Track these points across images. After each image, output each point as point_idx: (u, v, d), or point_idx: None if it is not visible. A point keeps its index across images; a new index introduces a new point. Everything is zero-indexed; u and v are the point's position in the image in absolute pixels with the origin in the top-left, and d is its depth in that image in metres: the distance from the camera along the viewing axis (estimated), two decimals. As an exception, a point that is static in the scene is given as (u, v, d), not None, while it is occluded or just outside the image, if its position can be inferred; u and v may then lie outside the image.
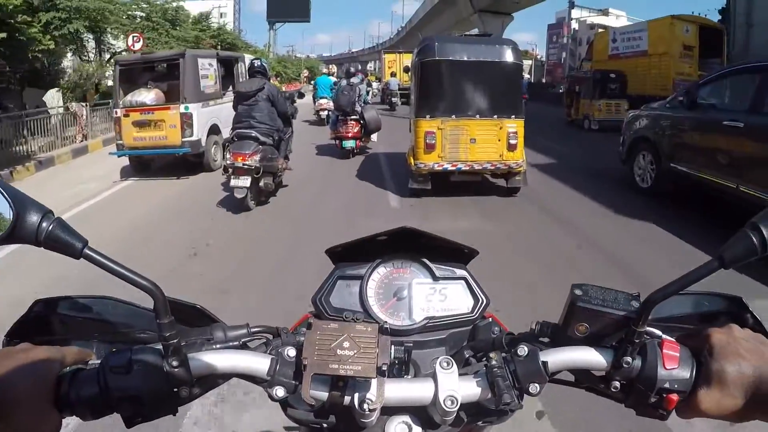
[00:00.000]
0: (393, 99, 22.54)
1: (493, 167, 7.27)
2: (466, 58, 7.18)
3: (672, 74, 15.48)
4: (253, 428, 2.64)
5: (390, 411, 0.67)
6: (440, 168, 7.26)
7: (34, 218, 0.58)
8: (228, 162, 6.75)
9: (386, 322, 0.80)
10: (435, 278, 0.88)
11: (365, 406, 0.62)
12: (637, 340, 0.65)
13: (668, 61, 15.78)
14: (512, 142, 7.20)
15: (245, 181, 6.67)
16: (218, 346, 0.73)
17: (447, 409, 0.63)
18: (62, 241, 0.59)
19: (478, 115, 7.18)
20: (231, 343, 0.74)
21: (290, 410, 0.70)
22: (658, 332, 0.69)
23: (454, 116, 7.16)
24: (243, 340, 0.75)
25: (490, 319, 0.86)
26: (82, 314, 0.77)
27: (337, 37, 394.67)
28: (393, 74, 25.22)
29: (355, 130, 11.01)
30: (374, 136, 11.75)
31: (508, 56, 7.23)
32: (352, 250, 0.88)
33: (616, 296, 0.67)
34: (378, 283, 0.87)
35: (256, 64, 7.66)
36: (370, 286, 0.87)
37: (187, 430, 2.66)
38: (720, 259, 0.59)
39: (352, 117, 11.01)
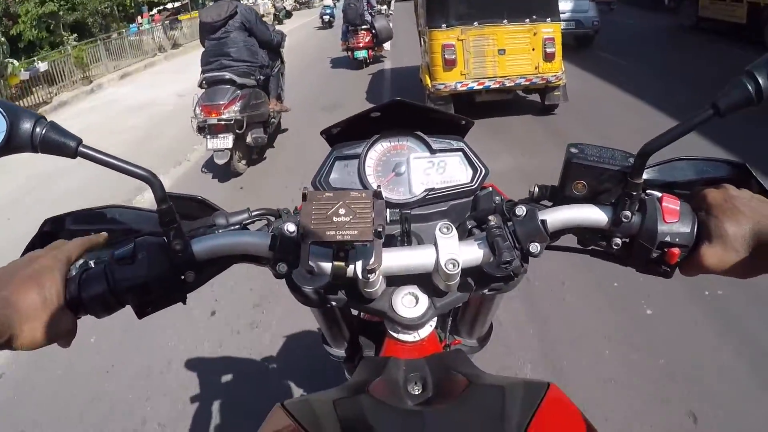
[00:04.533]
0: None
1: (527, 82, 6.02)
2: None
3: None
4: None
5: (395, 282, 0.69)
6: (464, 88, 6.03)
7: (27, 125, 0.59)
8: (199, 119, 4.98)
9: (379, 187, 0.68)
10: (432, 151, 0.86)
11: (366, 271, 0.61)
12: (634, 193, 0.65)
13: None
14: (549, 50, 5.95)
15: (226, 141, 5.01)
16: (221, 231, 0.74)
17: (449, 272, 0.63)
18: (57, 142, 0.60)
19: (506, 20, 5.86)
20: (233, 228, 0.75)
21: (303, 289, 0.68)
22: (657, 193, 0.68)
23: (476, 23, 5.86)
24: (245, 223, 0.76)
25: (490, 188, 0.84)
26: (90, 226, 0.78)
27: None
28: None
29: (366, 40, 10.82)
30: (387, 45, 11.45)
31: None
32: (347, 131, 0.87)
33: (613, 153, 0.67)
34: (376, 161, 0.86)
35: None
36: (368, 163, 0.85)
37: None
38: (714, 106, 0.57)
39: (363, 27, 10.72)
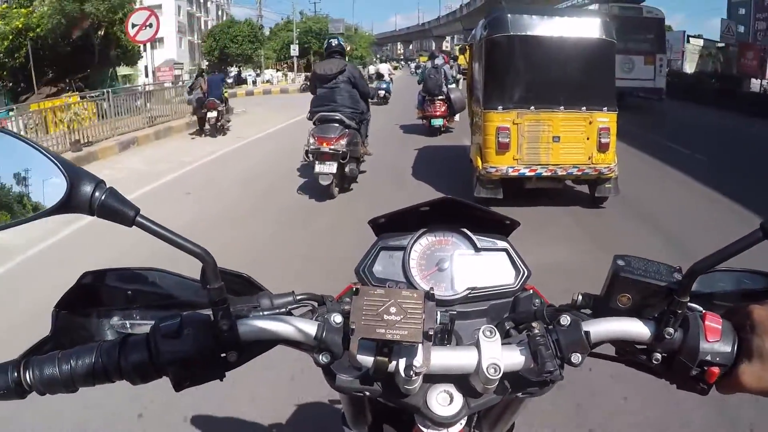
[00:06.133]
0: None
1: (579, 172, 5.96)
2: (546, 34, 5.88)
3: None
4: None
5: (431, 380, 0.68)
6: (515, 173, 5.97)
7: (87, 188, 0.60)
8: (312, 147, 6.42)
9: (432, 289, 0.69)
10: (476, 249, 0.87)
11: (410, 371, 0.61)
12: (678, 312, 0.65)
13: None
14: (604, 140, 5.90)
15: (331, 167, 6.41)
16: (265, 312, 0.74)
17: (490, 377, 0.63)
18: (115, 209, 0.61)
19: (562, 107, 5.88)
20: (277, 311, 0.75)
21: (338, 377, 0.68)
22: (699, 307, 0.68)
23: (533, 107, 5.86)
24: (289, 307, 0.76)
25: (531, 291, 0.85)
26: (129, 285, 0.79)
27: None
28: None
29: (442, 110, 11.54)
30: (456, 116, 12.04)
31: (598, 31, 5.87)
32: (394, 221, 0.88)
33: (659, 268, 0.67)
34: (420, 254, 0.87)
35: (333, 43, 7.19)
36: (413, 256, 0.86)
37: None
38: (763, 229, 0.58)
39: (440, 97, 11.49)
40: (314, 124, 6.73)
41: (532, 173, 5.97)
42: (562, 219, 5.97)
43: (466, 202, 0.85)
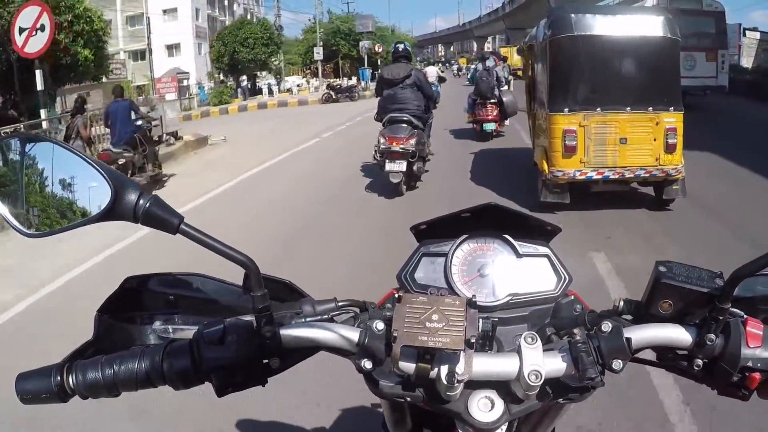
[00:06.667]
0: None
1: (647, 174, 5.87)
2: (610, 34, 5.82)
3: None
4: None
5: (473, 386, 0.68)
6: (582, 177, 5.89)
7: (132, 196, 0.62)
8: (383, 146, 6.85)
9: (474, 296, 0.77)
10: (518, 255, 0.87)
11: (452, 378, 0.62)
12: (720, 317, 0.65)
13: None
14: (671, 141, 5.80)
15: (401, 166, 6.85)
16: (308, 319, 0.75)
17: (531, 384, 0.63)
18: (159, 217, 0.62)
19: (629, 108, 5.80)
20: (320, 317, 0.76)
21: (381, 384, 0.68)
22: (740, 312, 0.69)
23: (599, 109, 5.80)
24: (331, 314, 0.77)
25: (572, 296, 0.85)
26: (171, 290, 0.80)
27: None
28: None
29: (494, 114, 11.23)
30: (507, 121, 11.82)
31: (663, 29, 5.76)
32: (436, 228, 0.89)
33: (700, 274, 0.68)
34: (462, 260, 0.87)
35: (399, 48, 7.62)
36: (455, 262, 0.87)
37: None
38: None
39: (491, 101, 11.18)
40: (383, 125, 7.16)
41: (600, 176, 5.90)
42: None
43: (507, 208, 0.85)
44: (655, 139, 5.81)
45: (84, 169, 0.65)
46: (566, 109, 5.85)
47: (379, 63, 33.23)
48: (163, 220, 0.63)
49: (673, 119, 5.82)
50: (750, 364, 0.65)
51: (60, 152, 0.67)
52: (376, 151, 7.05)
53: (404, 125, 6.99)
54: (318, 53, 35.46)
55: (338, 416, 2.65)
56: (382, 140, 6.95)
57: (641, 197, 6.51)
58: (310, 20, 46.33)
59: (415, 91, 7.21)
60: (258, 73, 36.21)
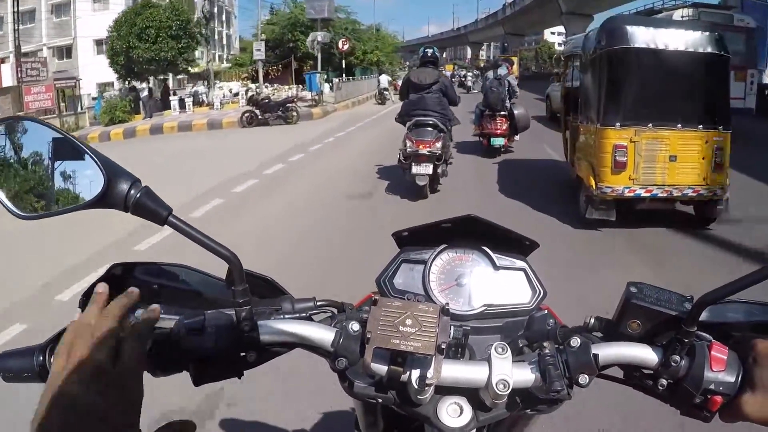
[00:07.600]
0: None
1: (694, 193, 5.72)
2: (664, 48, 5.62)
3: None
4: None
5: (443, 391, 0.69)
6: (631, 194, 5.68)
7: (123, 186, 0.63)
8: (409, 149, 6.85)
9: (447, 304, 0.73)
10: (495, 267, 0.88)
11: (423, 382, 0.63)
12: (686, 340, 0.67)
13: None
14: (718, 160, 5.70)
15: (427, 168, 6.88)
16: (286, 316, 0.77)
17: (499, 392, 0.65)
18: (149, 208, 0.64)
19: (680, 125, 5.66)
20: (298, 315, 0.78)
21: (355, 384, 0.69)
22: (708, 336, 0.70)
23: (650, 125, 5.64)
24: (309, 312, 0.79)
25: (546, 311, 0.85)
26: (156, 279, 0.82)
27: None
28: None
29: (504, 127, 10.28)
30: (517, 136, 10.84)
31: (715, 46, 5.63)
32: (417, 235, 0.90)
33: (670, 296, 0.70)
34: (440, 269, 0.89)
35: (428, 53, 7.64)
36: (433, 270, 0.88)
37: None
38: None
39: (501, 113, 10.29)
40: (408, 129, 7.17)
41: (648, 194, 5.72)
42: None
43: (487, 221, 0.86)
44: (703, 158, 5.69)
45: (78, 155, 0.65)
46: (618, 124, 5.66)
47: (352, 65, 29.43)
48: (153, 210, 0.64)
49: (722, 138, 5.72)
50: (712, 387, 0.67)
51: (55, 136, 0.67)
52: (401, 153, 7.07)
53: (430, 129, 7.05)
54: (258, 50, 25.55)
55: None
56: (408, 143, 6.95)
57: (681, 215, 6.39)
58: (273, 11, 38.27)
59: (441, 96, 7.33)
60: (164, 76, 25.63)
